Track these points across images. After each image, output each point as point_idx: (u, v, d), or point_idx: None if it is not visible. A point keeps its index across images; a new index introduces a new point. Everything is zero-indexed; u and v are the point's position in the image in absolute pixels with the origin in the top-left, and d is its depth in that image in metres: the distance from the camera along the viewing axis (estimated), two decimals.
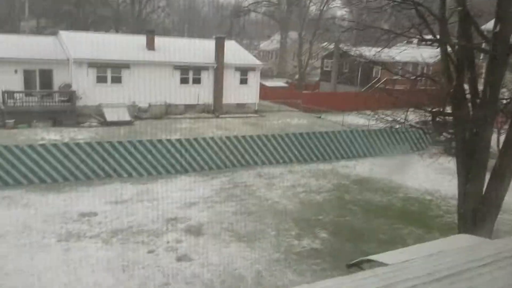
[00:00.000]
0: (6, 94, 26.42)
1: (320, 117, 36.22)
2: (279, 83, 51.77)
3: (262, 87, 39.65)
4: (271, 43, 77.39)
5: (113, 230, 14.49)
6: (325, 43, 54.82)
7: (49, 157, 18.15)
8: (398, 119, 12.90)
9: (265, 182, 20.44)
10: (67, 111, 28.00)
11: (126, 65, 30.86)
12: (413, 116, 13.23)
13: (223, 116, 33.99)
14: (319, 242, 14.61)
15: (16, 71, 27.85)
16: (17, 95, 27.05)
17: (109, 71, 30.44)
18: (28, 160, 17.84)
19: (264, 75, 50.92)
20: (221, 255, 13.39)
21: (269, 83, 47.45)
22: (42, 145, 18.32)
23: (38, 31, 53.47)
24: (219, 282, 11.91)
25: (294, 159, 23.81)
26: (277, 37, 73.80)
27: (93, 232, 14.28)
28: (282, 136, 23.53)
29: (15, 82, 27.74)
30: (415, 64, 39.26)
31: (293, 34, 65.26)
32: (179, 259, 12.97)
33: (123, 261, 12.63)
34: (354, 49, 43.60)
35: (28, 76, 28.36)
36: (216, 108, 34.40)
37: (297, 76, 57.57)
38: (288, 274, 12.57)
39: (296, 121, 34.18)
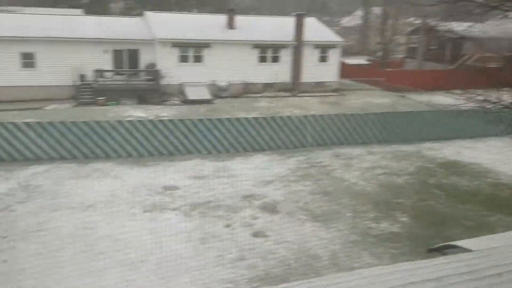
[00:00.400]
0: (97, 73, 28.22)
1: (403, 96, 34.64)
2: (361, 60, 50.09)
3: (342, 64, 38.62)
4: (353, 19, 74.85)
5: (193, 203, 15.06)
6: (411, 18, 51.92)
7: (136, 132, 19.17)
8: (491, 99, 11.91)
9: (342, 162, 20.04)
10: (152, 90, 29.34)
11: (207, 45, 31.53)
12: (507, 96, 12.14)
13: (301, 94, 33.69)
14: (398, 226, 14.10)
15: (106, 51, 29.58)
16: (107, 74, 28.78)
17: (191, 50, 31.31)
18: (117, 135, 18.98)
19: (345, 52, 49.49)
20: (295, 233, 13.40)
21: (350, 60, 46.09)
22: (129, 121, 19.37)
23: (126, 12, 56.23)
24: (294, 260, 11.95)
25: (374, 140, 23.05)
26: (359, 12, 71.18)
27: (175, 204, 14.95)
28: (361, 115, 22.82)
29: (105, 62, 29.50)
30: (511, 40, 35.94)
31: (376, 9, 62.51)
32: (254, 234, 13.19)
33: (202, 233, 13.11)
34: (443, 24, 40.94)
35: (117, 56, 30.02)
36: (294, 87, 34.15)
37: (379, 53, 55.31)
38: (365, 257, 12.29)
39: (377, 100, 33.01)
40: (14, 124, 17.89)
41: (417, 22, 48.29)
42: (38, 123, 18.29)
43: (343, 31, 72.71)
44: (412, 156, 21.18)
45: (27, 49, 28.03)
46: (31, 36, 28.00)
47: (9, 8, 52.52)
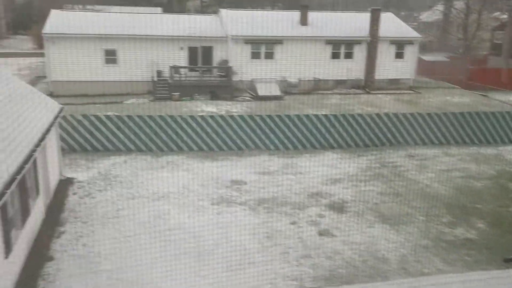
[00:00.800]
0: (173, 69, 29.31)
1: (485, 95, 32.51)
2: (439, 57, 47.61)
3: (420, 61, 37.00)
4: (433, 14, 71.31)
5: (260, 199, 15.20)
6: (496, 13, 48.50)
7: (207, 127, 19.70)
8: None
9: (416, 163, 19.24)
10: (224, 86, 29.95)
11: (279, 41, 31.61)
12: None
13: (374, 92, 32.76)
14: (474, 233, 13.29)
15: (182, 48, 30.63)
16: (182, 70, 29.80)
17: (263, 47, 31.55)
18: (189, 129, 19.62)
19: (423, 48, 47.36)
20: (363, 234, 13.09)
21: (428, 57, 44.01)
22: (201, 116, 19.93)
23: (202, 10, 57.81)
24: (361, 261, 11.68)
25: (451, 141, 21.88)
26: (440, 7, 67.66)
27: (242, 199, 15.18)
28: (439, 115, 21.72)
29: (181, 58, 30.56)
30: None
31: (459, 3, 59.04)
32: (320, 233, 13.05)
33: (267, 228, 13.20)
34: None
35: (192, 53, 30.98)
36: (367, 84, 33.28)
37: (461, 50, 52.24)
38: (436, 262, 11.73)
39: (457, 99, 31.29)
40: (97, 117, 19.08)
41: (503, 17, 44.99)
42: (118, 116, 19.37)
43: (422, 27, 69.64)
44: (493, 159, 19.85)
45: (110, 46, 29.74)
46: (114, 33, 29.67)
47: (96, 7, 56.02)
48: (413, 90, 33.90)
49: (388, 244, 12.59)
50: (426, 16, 74.64)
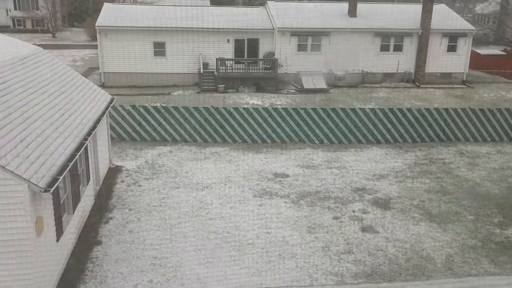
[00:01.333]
0: (219, 62, 29.56)
1: None
2: (495, 50, 45.37)
3: (474, 55, 35.40)
4: (489, 6, 68.07)
5: (302, 192, 15.13)
6: None
7: (251, 120, 19.77)
8: None
9: (467, 161, 18.50)
10: (269, 78, 29.92)
11: (326, 33, 31.16)
12: None
13: (424, 86, 31.71)
14: None
15: (228, 41, 30.83)
16: (228, 62, 30.01)
17: (310, 39, 31.20)
18: (233, 122, 19.77)
19: (478, 41, 45.34)
20: (408, 232, 12.76)
21: (483, 50, 42.04)
22: (245, 109, 20.03)
23: (250, 2, 57.87)
24: (405, 260, 11.41)
25: (505, 138, 20.87)
26: None
27: (284, 192, 15.16)
28: (492, 111, 20.73)
29: (227, 51, 30.77)
30: None
31: None
32: (363, 229, 12.84)
33: (309, 222, 13.13)
34: None
35: (238, 45, 31.11)
36: (417, 78, 32.24)
37: None
38: (484, 264, 11.27)
39: None
40: (145, 108, 19.60)
41: None
42: (165, 107, 19.81)
43: (477, 19, 66.60)
44: None
45: (159, 38, 30.38)
46: (163, 26, 30.28)
47: (148, 0, 57.34)
48: (466, 85, 32.53)
49: (434, 243, 12.21)
50: (481, 8, 71.31)
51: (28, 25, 65.86)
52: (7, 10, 65.55)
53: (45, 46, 19.40)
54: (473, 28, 33.52)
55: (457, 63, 32.85)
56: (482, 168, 17.67)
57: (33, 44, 16.56)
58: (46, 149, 9.58)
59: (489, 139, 20.87)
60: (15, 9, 65.68)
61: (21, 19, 65.84)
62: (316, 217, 13.48)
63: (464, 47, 32.73)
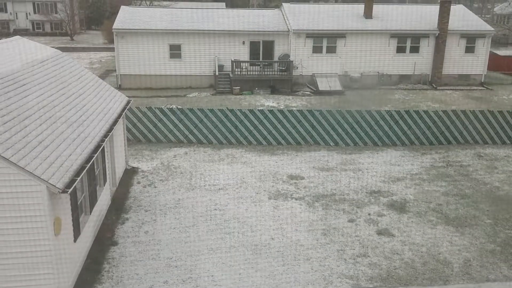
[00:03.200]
0: (234, 64, 29.66)
1: None
2: None
3: (493, 56, 34.88)
4: (508, 6, 66.98)
5: (317, 194, 15.06)
6: None
7: (266, 121, 19.77)
8: None
9: (485, 164, 18.22)
10: (284, 80, 29.90)
11: (342, 35, 31.04)
12: None
13: (441, 88, 31.36)
14: None
15: (243, 43, 30.91)
16: (243, 65, 30.08)
17: (325, 41, 31.12)
18: (248, 123, 19.79)
19: (497, 42, 44.65)
20: (425, 235, 12.61)
21: (502, 52, 41.39)
22: (260, 110, 20.04)
23: (265, 4, 57.92)
24: (421, 263, 11.28)
25: None
26: None
27: (299, 194, 15.12)
28: (511, 113, 20.39)
29: (242, 53, 30.86)
30: None
31: None
32: (379, 232, 12.73)
33: (324, 225, 13.06)
34: None
35: (253, 47, 31.17)
36: (434, 79, 31.90)
37: None
38: (503, 269, 11.07)
39: None
40: (160, 110, 19.75)
41: None
42: (180, 109, 19.92)
43: (496, 19, 65.58)
44: None
45: (175, 41, 30.59)
46: (179, 29, 30.49)
47: (163, 3, 57.82)
48: (484, 87, 32.06)
49: (451, 247, 12.05)
50: (500, 8, 70.21)
51: (47, 28, 67.06)
52: (26, 14, 66.85)
53: (63, 49, 19.71)
54: (491, 29, 33.04)
55: (475, 64, 32.42)
56: (500, 171, 17.38)
57: (52, 47, 16.84)
58: (65, 150, 9.73)
59: (508, 142, 20.52)
60: (35, 12, 66.95)
61: (40, 22, 67.09)
62: (331, 219, 13.41)
63: (483, 48, 32.28)
